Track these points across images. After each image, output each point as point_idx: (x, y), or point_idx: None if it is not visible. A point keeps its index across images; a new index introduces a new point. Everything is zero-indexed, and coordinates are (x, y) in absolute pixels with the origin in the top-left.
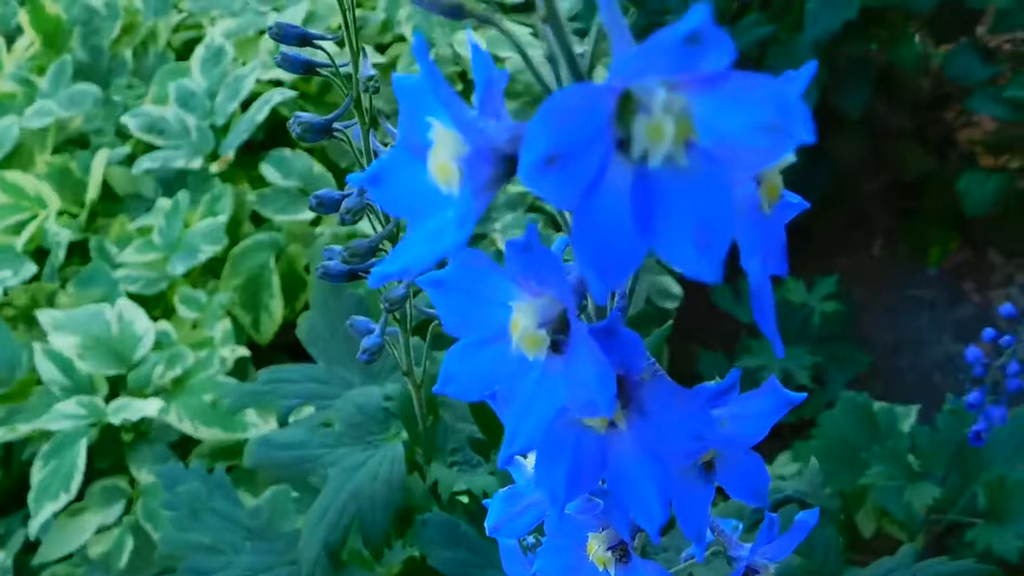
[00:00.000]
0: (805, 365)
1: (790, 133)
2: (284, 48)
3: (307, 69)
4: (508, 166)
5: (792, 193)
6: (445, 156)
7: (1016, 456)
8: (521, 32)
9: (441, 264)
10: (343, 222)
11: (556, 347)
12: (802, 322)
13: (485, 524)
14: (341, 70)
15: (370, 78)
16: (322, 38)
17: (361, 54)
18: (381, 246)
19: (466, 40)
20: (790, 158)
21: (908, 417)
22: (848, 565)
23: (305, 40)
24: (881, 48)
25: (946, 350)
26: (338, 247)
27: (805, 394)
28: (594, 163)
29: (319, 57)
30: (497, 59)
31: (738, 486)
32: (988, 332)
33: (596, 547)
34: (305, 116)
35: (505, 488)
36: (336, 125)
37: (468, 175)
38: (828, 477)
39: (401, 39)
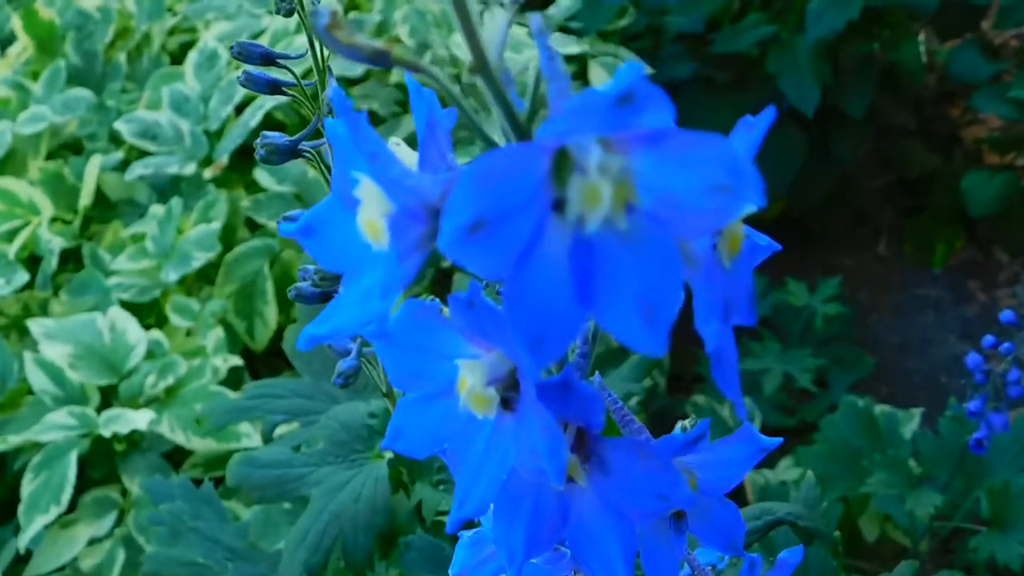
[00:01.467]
0: (807, 368)
1: (740, 194)
2: (247, 68)
3: (272, 89)
4: None
5: (761, 235)
6: (373, 213)
7: (1018, 463)
8: (517, 32)
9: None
10: None
11: (507, 404)
12: (805, 324)
13: (449, 570)
14: (309, 88)
15: None
16: (286, 57)
17: (327, 74)
18: None
19: (463, 42)
20: (750, 208)
21: (910, 422)
22: (851, 572)
23: (268, 60)
24: (884, 48)
25: (952, 350)
26: (312, 267)
27: (780, 440)
28: (527, 228)
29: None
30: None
31: (710, 536)
32: (988, 339)
33: None
34: (271, 137)
35: (469, 533)
36: (304, 145)
37: (394, 237)
38: (830, 482)
39: (396, 41)
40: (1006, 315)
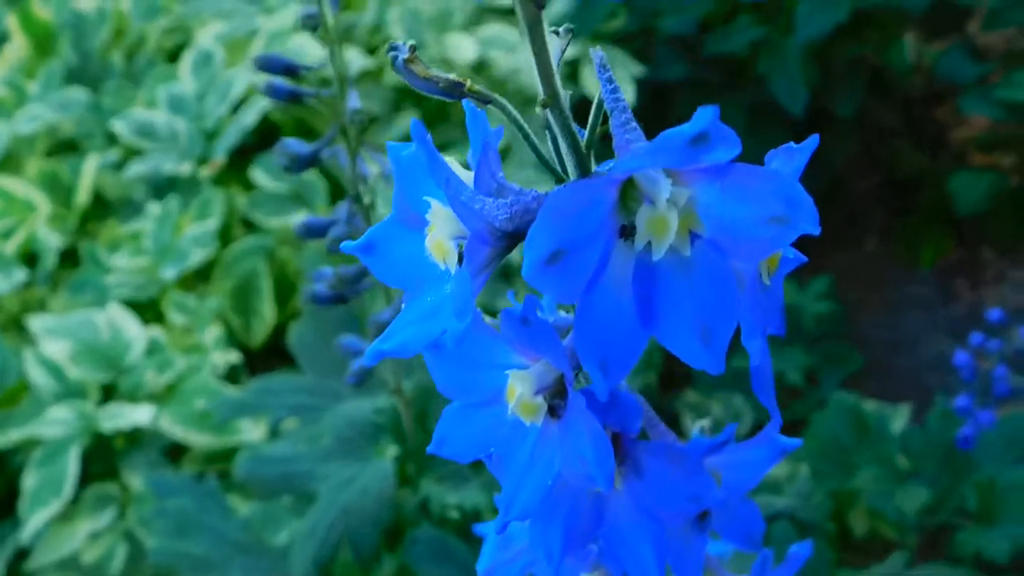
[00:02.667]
0: (798, 365)
1: (795, 224)
2: (269, 78)
3: (293, 98)
4: (506, 242)
5: (791, 248)
6: (443, 235)
7: (1005, 458)
8: (506, 35)
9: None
10: (330, 251)
11: (553, 412)
12: (795, 322)
13: (477, 567)
14: (328, 98)
15: (356, 111)
16: (307, 68)
17: (347, 84)
18: (368, 272)
19: (456, 43)
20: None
21: (899, 418)
22: (840, 567)
23: (290, 71)
24: (873, 50)
25: (940, 348)
26: (328, 269)
27: (799, 441)
28: (596, 255)
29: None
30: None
31: (732, 532)
32: (976, 337)
33: None
34: (291, 145)
35: (497, 529)
36: (323, 153)
37: (468, 258)
38: (820, 478)
39: (390, 41)
40: (993, 313)
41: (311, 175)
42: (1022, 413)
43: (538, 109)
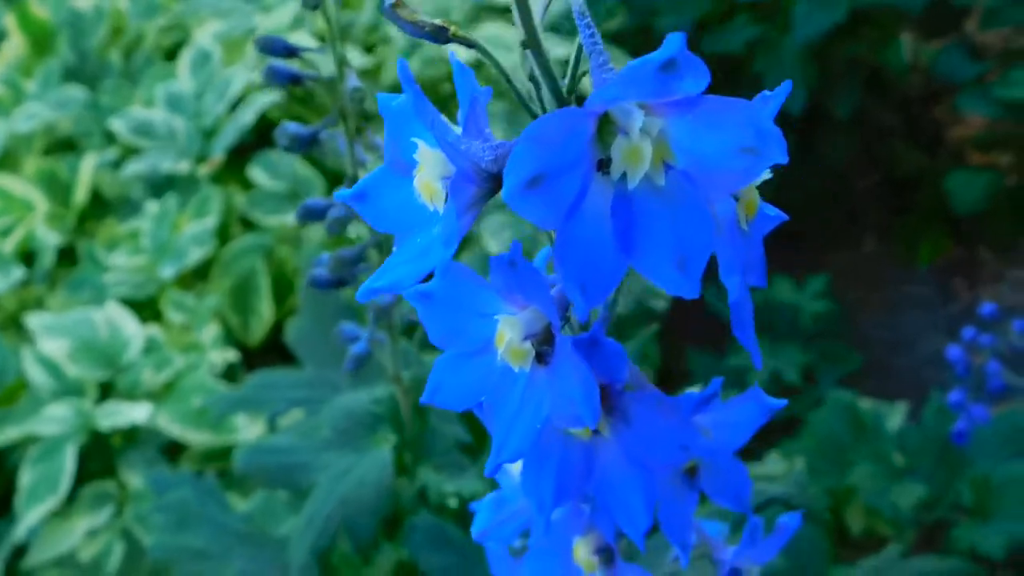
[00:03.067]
0: (796, 364)
1: (765, 155)
2: (270, 60)
3: (293, 81)
4: (492, 184)
5: (770, 206)
6: (430, 175)
7: (1000, 454)
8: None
9: (428, 279)
10: (330, 232)
11: (541, 358)
12: (792, 320)
13: (471, 530)
14: (327, 80)
15: (356, 89)
16: (308, 50)
17: (346, 65)
18: (367, 254)
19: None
20: (766, 175)
21: (895, 416)
22: (837, 563)
23: (291, 52)
24: (870, 49)
25: (938, 347)
26: (326, 255)
27: (786, 401)
28: (575, 184)
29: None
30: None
31: (721, 492)
32: (969, 332)
33: (582, 551)
34: (291, 128)
35: (491, 493)
36: (322, 135)
37: (453, 195)
38: (816, 475)
39: (388, 41)
40: (987, 308)
41: (309, 172)
42: (1017, 409)
43: (519, 51)
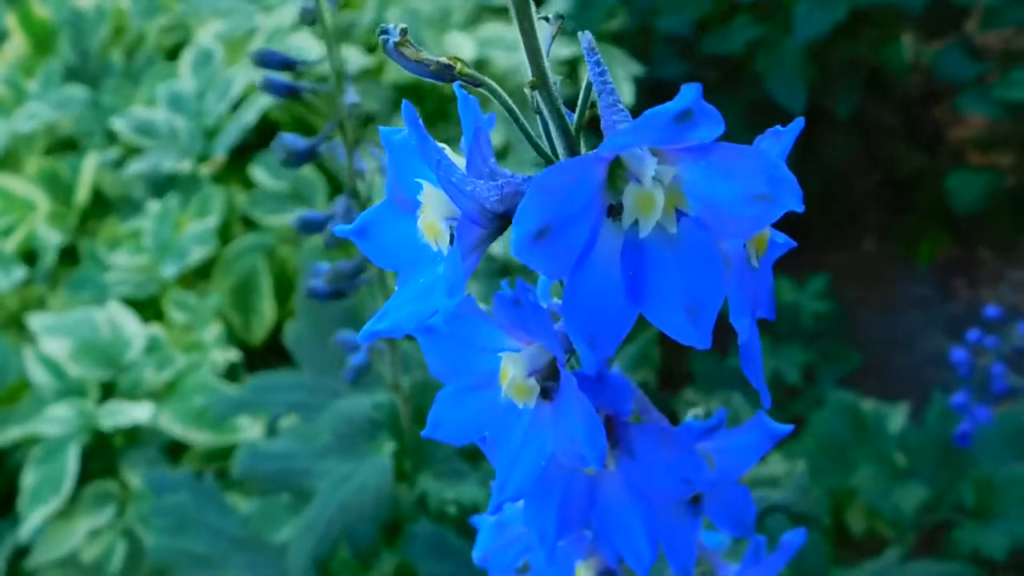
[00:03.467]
0: (796, 363)
1: (779, 202)
2: (267, 73)
3: (290, 93)
4: (498, 223)
5: (779, 233)
6: (434, 216)
7: (1002, 455)
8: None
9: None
10: (328, 247)
11: (545, 394)
12: (793, 320)
13: (473, 554)
14: (324, 93)
15: (353, 105)
16: (304, 63)
17: (344, 78)
18: (365, 266)
19: (456, 43)
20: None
21: (896, 416)
22: (837, 563)
23: (287, 65)
24: (870, 49)
25: (938, 346)
26: (325, 265)
27: (791, 427)
28: (584, 234)
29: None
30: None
31: (724, 518)
32: (973, 333)
33: (584, 575)
34: (288, 140)
35: (493, 517)
36: (320, 148)
37: (459, 238)
38: (818, 476)
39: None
40: (991, 310)
41: (310, 173)
42: (1019, 410)
43: (526, 90)
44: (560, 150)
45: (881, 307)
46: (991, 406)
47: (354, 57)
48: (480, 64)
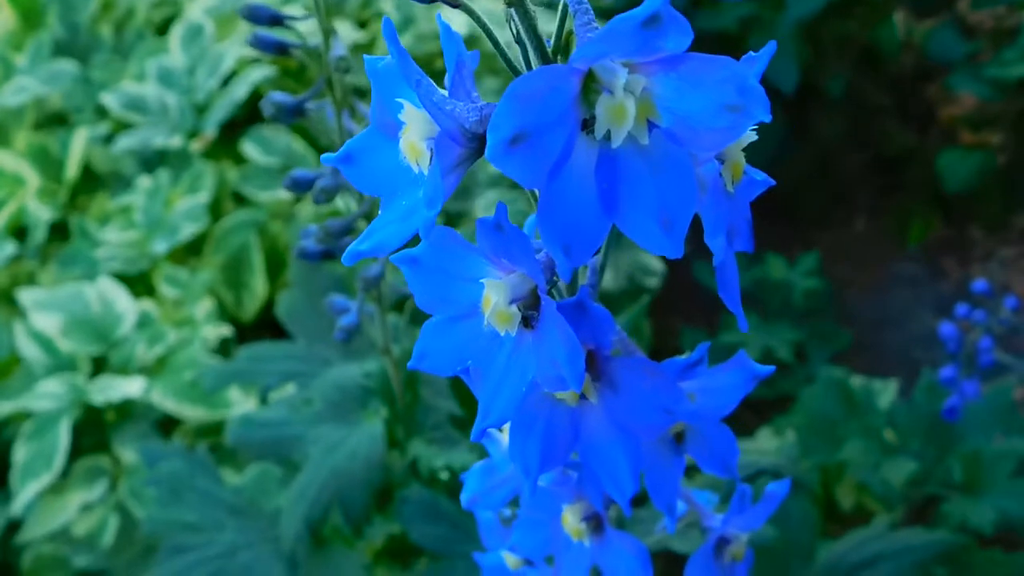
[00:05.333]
0: (787, 341)
1: (749, 112)
2: (256, 29)
3: (279, 50)
4: (477, 145)
5: (757, 171)
6: (415, 136)
7: (990, 430)
8: (495, 8)
9: (414, 242)
10: (317, 202)
11: (527, 322)
12: (784, 298)
13: (461, 497)
14: (314, 49)
15: (341, 58)
16: (293, 19)
17: (332, 34)
18: (356, 225)
19: (446, 19)
20: (750, 136)
21: (886, 392)
22: (826, 538)
23: (276, 21)
24: (862, 27)
25: (927, 325)
26: (314, 227)
27: (773, 367)
28: (559, 142)
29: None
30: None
31: (708, 458)
32: (962, 308)
33: (571, 519)
34: (277, 96)
35: (481, 461)
36: (309, 105)
37: (438, 155)
38: (808, 452)
39: (381, 16)
40: (979, 284)
41: (301, 148)
42: (1007, 385)
43: (503, 7)
44: None
45: (871, 286)
46: (979, 381)
47: (346, 32)
48: (471, 39)
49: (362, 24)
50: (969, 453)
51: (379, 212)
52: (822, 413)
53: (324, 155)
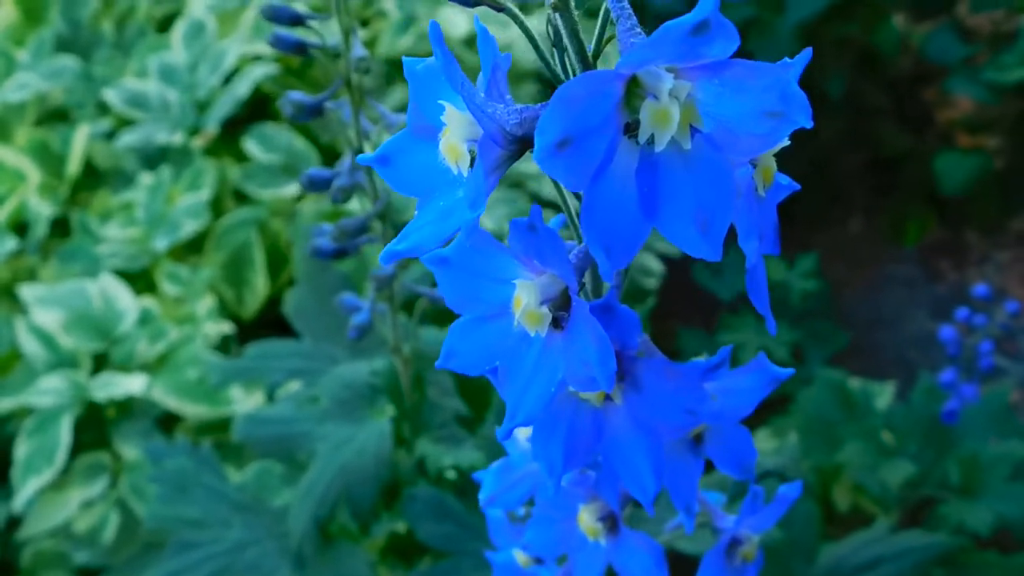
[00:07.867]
0: (784, 341)
1: (790, 119)
2: (277, 29)
3: (299, 49)
4: (516, 147)
5: (782, 175)
6: (456, 138)
7: (988, 433)
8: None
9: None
10: (335, 201)
11: (557, 323)
12: (782, 299)
13: (479, 497)
14: (332, 49)
15: (361, 59)
16: (314, 18)
17: (352, 34)
18: (370, 224)
19: (450, 18)
20: (784, 142)
21: (883, 394)
22: (824, 539)
23: (297, 21)
24: (861, 30)
25: (923, 327)
26: (328, 225)
27: (792, 370)
28: (603, 146)
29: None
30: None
31: (726, 459)
32: (962, 312)
33: (586, 518)
34: (296, 96)
35: (498, 461)
36: (328, 104)
37: (481, 156)
38: (805, 453)
39: (383, 15)
40: (980, 289)
41: (303, 146)
42: (1005, 389)
43: (548, 12)
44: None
45: (867, 287)
46: (977, 384)
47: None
48: (474, 39)
49: (364, 23)
50: (966, 456)
51: (415, 213)
52: (820, 415)
53: (360, 155)
